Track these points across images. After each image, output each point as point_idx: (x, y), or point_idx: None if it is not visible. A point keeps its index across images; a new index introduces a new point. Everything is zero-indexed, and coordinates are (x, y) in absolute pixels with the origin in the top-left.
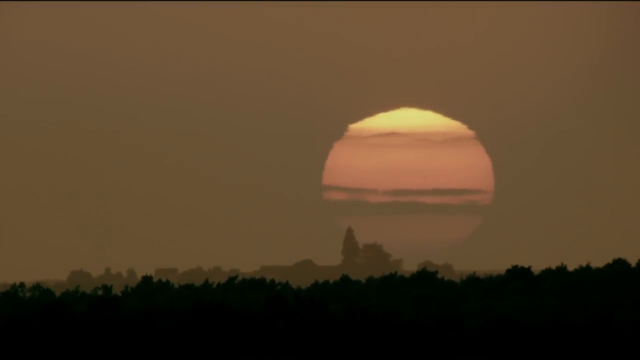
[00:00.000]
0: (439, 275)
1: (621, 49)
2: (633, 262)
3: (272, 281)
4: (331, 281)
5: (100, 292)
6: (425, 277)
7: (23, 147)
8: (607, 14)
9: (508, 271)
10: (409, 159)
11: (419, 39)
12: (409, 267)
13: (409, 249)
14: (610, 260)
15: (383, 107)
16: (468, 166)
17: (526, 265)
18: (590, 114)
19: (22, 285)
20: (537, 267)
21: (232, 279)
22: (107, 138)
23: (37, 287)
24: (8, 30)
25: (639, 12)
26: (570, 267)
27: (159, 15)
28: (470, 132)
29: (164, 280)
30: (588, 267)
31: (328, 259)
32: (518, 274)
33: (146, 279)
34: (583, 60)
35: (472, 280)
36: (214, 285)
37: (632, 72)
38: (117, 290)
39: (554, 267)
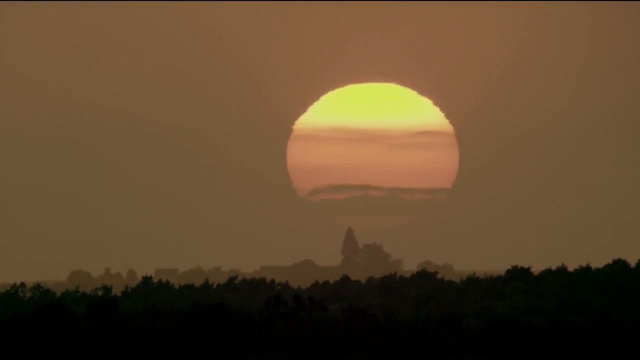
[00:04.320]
0: (439, 275)
1: (611, 46)
2: (633, 262)
3: (272, 281)
4: (331, 281)
5: (100, 293)
6: (425, 277)
7: (22, 146)
8: (598, 12)
9: (508, 271)
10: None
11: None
12: (409, 267)
13: (409, 249)
14: (610, 261)
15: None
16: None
17: (526, 265)
18: (592, 113)
19: (22, 285)
20: (537, 267)
21: (232, 279)
22: (107, 138)
23: (37, 287)
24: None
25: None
26: (570, 267)
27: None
28: (452, 129)
29: (164, 280)
30: (588, 267)
31: (328, 259)
32: (518, 274)
33: (146, 280)
34: (580, 57)
35: (472, 280)
36: (214, 286)
37: (630, 69)
38: (117, 291)
39: (554, 267)
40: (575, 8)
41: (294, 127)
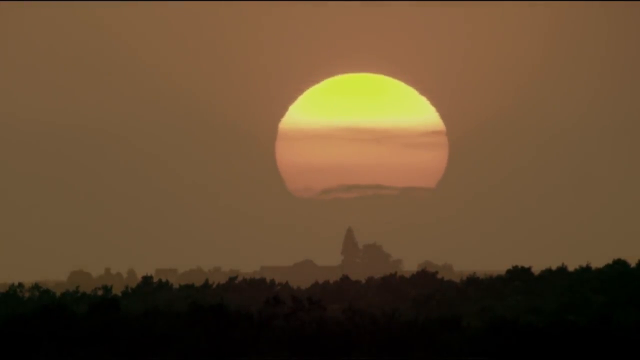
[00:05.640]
0: (439, 275)
1: (611, 48)
2: (633, 262)
3: (272, 281)
4: (331, 281)
5: (100, 293)
6: (425, 277)
7: (22, 146)
8: (596, 13)
9: (508, 271)
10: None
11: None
12: (409, 267)
13: (409, 249)
14: (610, 261)
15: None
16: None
17: (526, 265)
18: (593, 113)
19: (20, 285)
20: (537, 267)
21: (232, 279)
22: (107, 138)
23: (37, 287)
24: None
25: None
26: (570, 267)
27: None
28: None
29: (164, 280)
30: (588, 267)
31: (328, 259)
32: (518, 274)
33: (146, 279)
34: (583, 57)
35: (472, 280)
36: (214, 286)
37: (628, 70)
38: (117, 291)
39: (554, 267)
40: (575, 9)
41: (280, 125)
